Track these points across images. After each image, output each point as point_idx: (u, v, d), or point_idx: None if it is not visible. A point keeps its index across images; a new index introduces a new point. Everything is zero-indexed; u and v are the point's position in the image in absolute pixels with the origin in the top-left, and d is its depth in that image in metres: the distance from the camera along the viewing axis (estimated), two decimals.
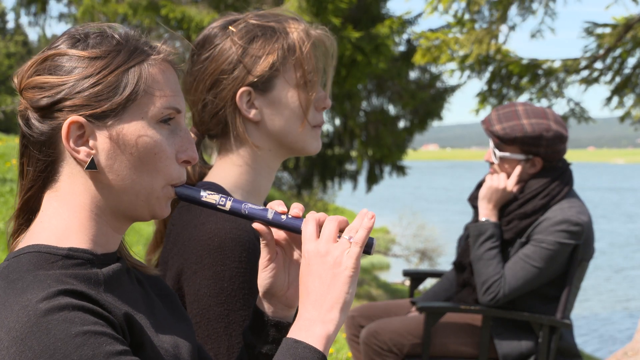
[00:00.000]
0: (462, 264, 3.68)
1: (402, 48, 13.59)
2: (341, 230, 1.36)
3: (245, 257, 1.69)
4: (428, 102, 13.78)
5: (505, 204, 3.57)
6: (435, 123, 14.83)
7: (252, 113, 1.82)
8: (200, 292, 1.69)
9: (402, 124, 14.33)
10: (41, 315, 1.17)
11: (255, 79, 1.80)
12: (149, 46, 1.37)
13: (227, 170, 1.85)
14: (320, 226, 1.36)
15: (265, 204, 1.94)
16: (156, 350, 1.31)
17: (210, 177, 1.87)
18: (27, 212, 1.37)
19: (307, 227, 1.36)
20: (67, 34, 1.36)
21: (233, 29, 1.82)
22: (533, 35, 9.35)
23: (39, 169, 1.33)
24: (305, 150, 1.88)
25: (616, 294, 15.38)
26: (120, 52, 1.32)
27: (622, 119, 9.37)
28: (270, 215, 1.41)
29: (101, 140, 1.31)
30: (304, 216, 1.41)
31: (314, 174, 16.92)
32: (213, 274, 1.68)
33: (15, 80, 1.35)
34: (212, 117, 1.85)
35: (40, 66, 1.32)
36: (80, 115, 1.29)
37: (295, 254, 1.49)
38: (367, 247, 1.35)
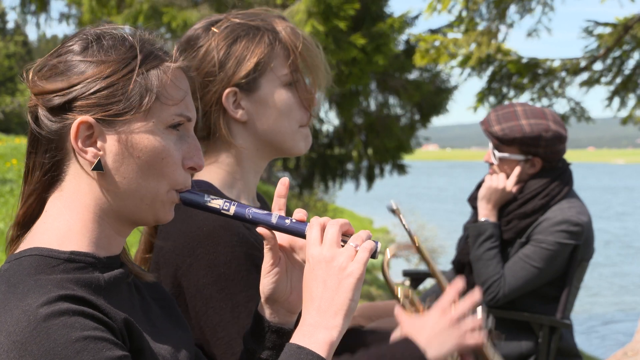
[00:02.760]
0: (462, 264, 3.68)
1: (401, 47, 13.60)
2: (344, 234, 1.36)
3: (237, 241, 1.69)
4: (432, 96, 13.79)
5: (505, 204, 3.57)
6: (435, 123, 14.84)
7: (239, 114, 1.82)
8: (200, 283, 1.68)
9: (404, 121, 14.34)
10: (41, 320, 1.17)
11: (241, 80, 1.80)
12: (163, 52, 1.38)
13: (215, 171, 1.85)
14: (324, 231, 1.36)
15: (259, 196, 1.95)
16: (155, 357, 1.32)
17: (199, 178, 1.87)
18: (29, 220, 1.37)
19: (312, 232, 1.35)
20: (81, 35, 1.36)
21: (216, 30, 1.82)
22: (529, 34, 9.35)
23: (45, 169, 1.33)
24: (293, 150, 1.87)
25: (590, 291, 15.43)
26: (134, 57, 1.33)
27: (624, 121, 9.36)
28: (274, 220, 1.41)
29: (109, 142, 1.31)
30: (308, 220, 1.41)
31: (314, 174, 16.91)
32: (208, 263, 1.68)
33: (27, 76, 1.35)
34: (199, 119, 1.84)
35: (53, 65, 1.33)
36: (90, 116, 1.29)
37: (298, 259, 1.48)
38: (373, 252, 1.35)
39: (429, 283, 6.67)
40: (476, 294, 1.91)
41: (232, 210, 1.40)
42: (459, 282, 1.94)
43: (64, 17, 18.96)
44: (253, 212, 1.41)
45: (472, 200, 3.74)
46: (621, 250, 21.30)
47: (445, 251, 18.06)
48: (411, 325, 1.87)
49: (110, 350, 1.18)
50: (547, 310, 3.53)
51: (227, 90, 1.80)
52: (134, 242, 1.55)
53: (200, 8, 10.54)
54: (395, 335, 1.89)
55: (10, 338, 1.17)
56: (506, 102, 9.54)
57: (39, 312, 1.18)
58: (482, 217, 3.56)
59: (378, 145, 14.07)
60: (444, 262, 16.21)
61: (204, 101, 1.82)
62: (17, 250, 1.33)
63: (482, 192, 3.57)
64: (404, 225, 2.46)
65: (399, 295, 1.96)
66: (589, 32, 8.97)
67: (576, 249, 3.46)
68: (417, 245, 2.43)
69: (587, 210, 3.53)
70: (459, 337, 1.85)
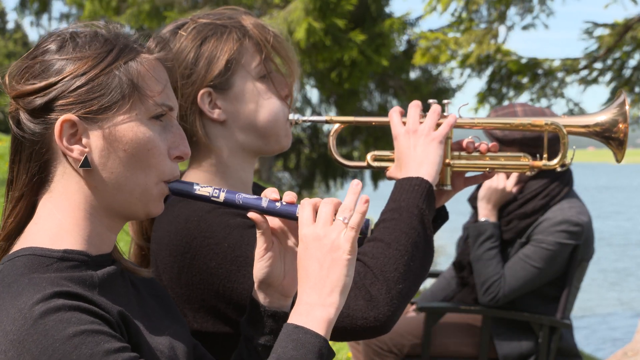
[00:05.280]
0: (462, 264, 3.68)
1: (402, 48, 13.61)
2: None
3: (227, 215, 1.70)
4: (432, 97, 13.80)
5: (505, 204, 3.57)
6: None
7: (216, 113, 1.80)
8: (211, 267, 1.68)
9: None
10: (37, 317, 1.17)
11: (213, 79, 1.79)
12: (139, 44, 1.37)
13: (200, 174, 1.83)
14: (316, 211, 1.36)
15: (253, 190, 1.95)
16: (152, 352, 1.31)
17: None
18: (20, 228, 1.35)
19: (304, 212, 1.36)
20: (55, 35, 1.35)
21: (183, 33, 1.81)
22: (525, 28, 9.35)
23: (32, 172, 1.33)
24: (276, 146, 1.86)
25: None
26: (110, 50, 1.32)
27: None
28: (264, 204, 1.41)
29: (94, 138, 1.31)
30: (298, 202, 1.41)
31: (315, 173, 16.93)
32: (209, 247, 1.69)
33: (5, 80, 1.34)
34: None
35: (30, 66, 1.32)
36: (72, 113, 1.29)
37: (290, 242, 1.48)
38: (364, 229, 1.35)
39: (429, 282, 6.69)
40: (436, 107, 1.86)
41: (222, 196, 1.41)
42: (416, 102, 1.89)
43: (65, 17, 18.98)
44: (243, 197, 1.41)
45: (472, 200, 3.74)
46: (607, 247, 21.32)
47: (445, 251, 18.07)
48: (394, 169, 1.87)
49: (109, 343, 1.18)
50: (547, 310, 3.53)
51: (201, 92, 1.78)
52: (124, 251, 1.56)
53: (202, 10, 10.55)
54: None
55: (8, 337, 1.17)
56: (506, 103, 9.55)
57: (34, 309, 1.17)
58: (482, 217, 3.56)
59: (379, 147, 14.06)
60: (444, 262, 16.24)
61: (180, 104, 1.80)
62: (10, 252, 1.33)
63: (482, 192, 3.57)
64: None
65: (370, 162, 1.95)
66: (589, 33, 8.98)
67: (576, 249, 3.46)
68: None
69: (587, 210, 3.53)
70: (435, 141, 1.81)
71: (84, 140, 1.31)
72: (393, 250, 1.70)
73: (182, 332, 1.46)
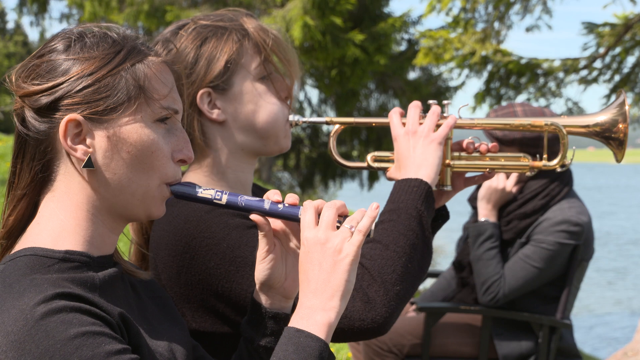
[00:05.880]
0: (462, 264, 3.68)
1: (402, 47, 13.61)
2: (340, 216, 1.37)
3: (226, 215, 1.70)
4: (431, 97, 13.81)
5: (505, 204, 3.58)
6: None
7: (216, 114, 1.81)
8: (210, 267, 1.69)
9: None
10: (39, 318, 1.17)
11: (213, 80, 1.79)
12: (146, 46, 1.38)
13: (200, 174, 1.83)
14: (318, 213, 1.37)
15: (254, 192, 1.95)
16: (152, 355, 1.32)
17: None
18: (20, 226, 1.36)
19: (306, 215, 1.36)
20: (63, 34, 1.36)
21: (184, 33, 1.81)
22: (529, 29, 9.35)
23: (35, 170, 1.33)
24: (275, 147, 1.86)
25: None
26: (118, 52, 1.33)
27: None
28: (267, 206, 1.41)
29: (98, 139, 1.31)
30: (300, 204, 1.41)
31: (315, 173, 16.93)
32: (208, 247, 1.69)
33: (12, 78, 1.35)
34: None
35: (37, 65, 1.32)
36: (77, 113, 1.30)
37: (292, 244, 1.48)
38: (368, 232, 1.35)
39: (429, 282, 6.69)
40: (435, 109, 1.85)
41: (225, 199, 1.41)
42: (416, 104, 1.89)
43: (65, 17, 18.98)
44: (245, 199, 1.42)
45: (472, 200, 3.74)
46: (605, 247, 21.34)
47: (444, 251, 18.07)
48: (394, 170, 1.86)
49: (110, 344, 1.19)
50: (547, 310, 3.53)
51: (200, 92, 1.79)
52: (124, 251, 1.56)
53: (202, 8, 10.54)
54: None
55: (9, 338, 1.17)
56: (505, 103, 9.56)
57: (35, 310, 1.18)
58: (482, 217, 3.56)
59: (379, 147, 14.06)
60: (444, 262, 16.25)
61: None
62: (12, 251, 1.33)
63: (482, 192, 3.58)
64: None
65: (370, 163, 1.95)
66: (589, 30, 8.97)
67: (576, 249, 3.46)
68: None
69: (587, 210, 3.54)
70: (434, 142, 1.81)
71: (88, 141, 1.31)
72: (391, 252, 1.70)
73: (181, 334, 1.46)
